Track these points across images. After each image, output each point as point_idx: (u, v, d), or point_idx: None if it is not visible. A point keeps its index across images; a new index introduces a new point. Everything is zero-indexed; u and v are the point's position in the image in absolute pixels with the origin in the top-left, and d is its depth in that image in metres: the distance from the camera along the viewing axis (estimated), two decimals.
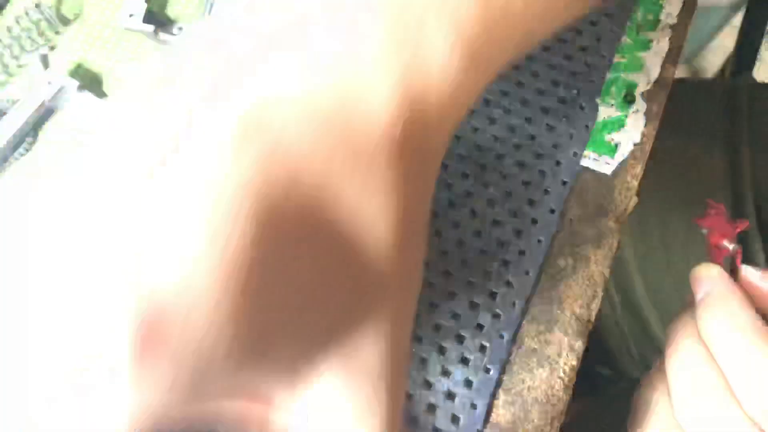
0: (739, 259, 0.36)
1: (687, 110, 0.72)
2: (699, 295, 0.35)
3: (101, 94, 0.44)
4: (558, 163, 0.42)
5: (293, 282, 0.20)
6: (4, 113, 0.43)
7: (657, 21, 0.46)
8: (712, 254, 0.37)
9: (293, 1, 0.21)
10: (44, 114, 0.44)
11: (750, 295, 0.34)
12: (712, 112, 0.70)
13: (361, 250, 0.21)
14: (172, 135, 0.19)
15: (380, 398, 0.22)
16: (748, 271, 0.34)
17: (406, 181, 0.21)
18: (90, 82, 0.45)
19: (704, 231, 0.38)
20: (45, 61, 0.45)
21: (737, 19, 0.83)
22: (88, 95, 0.43)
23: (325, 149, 0.19)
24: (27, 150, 0.43)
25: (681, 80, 0.77)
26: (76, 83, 0.43)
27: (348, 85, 0.20)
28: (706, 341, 0.33)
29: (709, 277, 0.34)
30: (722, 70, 1.04)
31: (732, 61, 0.80)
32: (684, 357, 0.34)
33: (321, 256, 0.20)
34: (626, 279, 0.65)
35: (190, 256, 0.17)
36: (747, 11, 0.76)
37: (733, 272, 0.36)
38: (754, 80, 0.75)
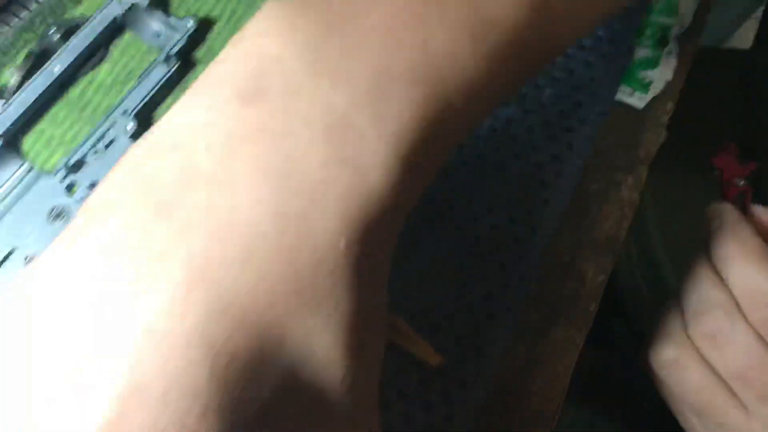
0: (749, 198, 0.39)
1: (707, 77, 0.75)
2: (712, 227, 0.38)
3: (168, 12, 0.47)
4: (594, 95, 0.45)
5: None
6: (78, 28, 0.46)
7: None
8: (724, 191, 0.40)
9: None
10: (115, 30, 0.47)
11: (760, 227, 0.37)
12: (732, 80, 0.73)
13: (316, 394, 0.20)
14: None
15: None
16: (756, 208, 0.37)
17: (357, 297, 0.20)
18: (158, 1, 0.48)
19: (716, 172, 0.41)
20: None
21: None
22: (157, 12, 0.46)
23: (267, 287, 0.19)
24: (99, 62, 0.46)
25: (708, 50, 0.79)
26: (146, 1, 0.45)
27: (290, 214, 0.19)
28: (717, 264, 0.36)
29: (721, 211, 0.37)
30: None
31: (756, 40, 0.82)
32: (696, 278, 0.37)
33: (278, 410, 0.19)
34: (645, 234, 0.68)
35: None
36: None
37: (744, 209, 0.39)
38: None
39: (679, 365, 0.36)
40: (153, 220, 0.19)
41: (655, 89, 0.46)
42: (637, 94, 0.46)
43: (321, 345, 0.19)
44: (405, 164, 0.21)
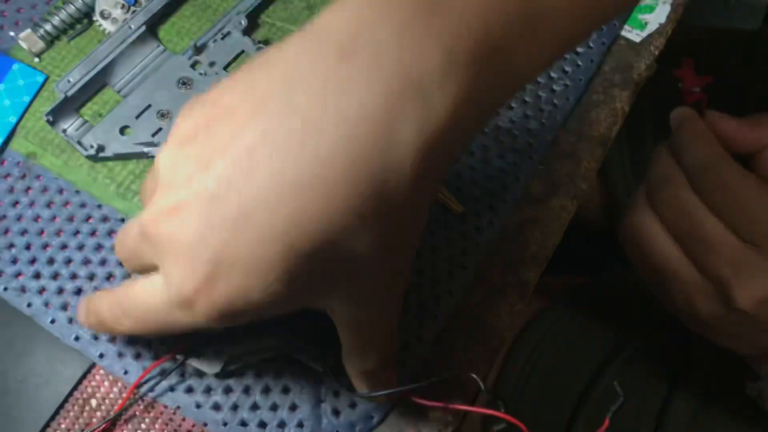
0: (704, 104, 0.50)
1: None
2: (673, 125, 0.48)
3: None
4: (600, 28, 0.58)
5: None
6: None
7: None
8: (684, 98, 0.52)
9: None
10: None
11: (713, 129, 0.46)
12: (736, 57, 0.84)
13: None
14: None
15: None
16: (711, 113, 0.46)
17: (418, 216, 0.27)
18: None
19: (679, 84, 0.52)
20: None
21: None
22: None
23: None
24: None
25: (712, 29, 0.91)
26: None
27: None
28: (675, 150, 0.46)
29: (681, 112, 0.47)
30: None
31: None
32: (657, 161, 0.47)
33: None
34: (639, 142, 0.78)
35: None
36: None
37: (701, 114, 0.49)
38: None
39: (642, 228, 0.46)
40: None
41: (650, 29, 0.58)
42: (635, 31, 0.58)
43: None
44: (465, 96, 0.25)
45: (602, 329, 0.81)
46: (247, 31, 0.57)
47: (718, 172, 0.41)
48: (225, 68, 0.56)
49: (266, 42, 0.57)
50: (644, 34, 0.58)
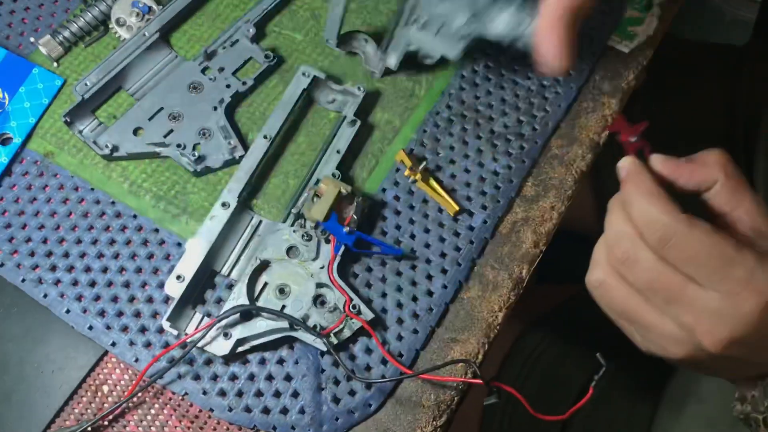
0: (647, 151, 0.52)
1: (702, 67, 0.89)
2: (620, 177, 0.47)
3: None
4: (591, 39, 0.61)
5: None
6: None
7: None
8: (625, 150, 0.54)
9: None
10: None
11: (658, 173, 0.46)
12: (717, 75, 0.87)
13: None
14: None
15: None
16: (653, 158, 0.46)
17: None
18: None
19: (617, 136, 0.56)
20: None
21: None
22: None
23: None
24: None
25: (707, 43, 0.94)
26: None
27: None
28: (625, 204, 0.46)
29: (625, 163, 0.46)
30: None
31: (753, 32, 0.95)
32: (611, 217, 0.47)
33: None
34: None
35: None
36: None
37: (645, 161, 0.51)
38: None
39: (605, 285, 0.46)
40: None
41: (638, 40, 0.61)
42: (625, 42, 0.61)
43: None
44: None
45: (595, 337, 0.83)
46: (255, 39, 0.60)
47: (664, 226, 0.42)
48: (233, 73, 0.59)
49: (273, 50, 0.60)
50: (633, 45, 0.61)
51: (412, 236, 0.54)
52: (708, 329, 0.42)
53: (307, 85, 0.56)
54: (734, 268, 0.41)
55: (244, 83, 0.58)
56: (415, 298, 0.52)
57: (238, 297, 0.49)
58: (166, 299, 0.52)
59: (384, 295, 0.52)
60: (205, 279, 0.52)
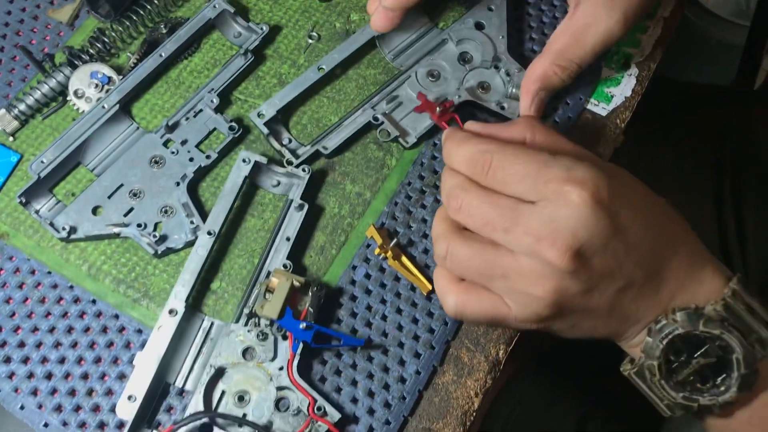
0: (459, 121, 0.52)
1: (687, 106, 0.88)
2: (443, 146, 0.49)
3: (248, 18, 0.62)
4: (567, 103, 0.59)
5: None
6: (180, 25, 0.61)
7: (654, 14, 0.62)
8: (441, 126, 0.54)
9: None
10: (207, 29, 0.61)
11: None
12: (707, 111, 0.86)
13: None
14: None
15: None
16: (469, 123, 0.48)
17: None
18: (240, 9, 0.62)
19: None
20: None
21: None
22: (239, 18, 0.61)
23: None
24: (193, 52, 0.61)
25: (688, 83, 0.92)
26: (232, 8, 0.60)
27: None
28: (447, 163, 0.46)
29: (446, 133, 0.47)
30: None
31: (737, 73, 0.94)
32: (442, 175, 0.47)
33: None
34: None
35: None
36: (752, 24, 0.91)
37: None
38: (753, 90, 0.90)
39: (452, 250, 0.45)
40: None
41: (615, 102, 0.59)
42: (602, 104, 0.59)
43: None
44: None
45: (582, 382, 0.81)
46: (219, 109, 0.58)
47: (481, 153, 0.44)
48: (197, 146, 0.57)
49: (238, 120, 0.58)
50: (610, 107, 0.59)
51: (384, 317, 0.52)
52: (550, 241, 0.41)
53: (249, 171, 0.54)
54: (551, 168, 0.42)
55: (207, 157, 0.56)
56: (387, 386, 0.50)
57: (195, 410, 0.46)
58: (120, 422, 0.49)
59: (354, 382, 0.50)
60: (158, 394, 0.49)
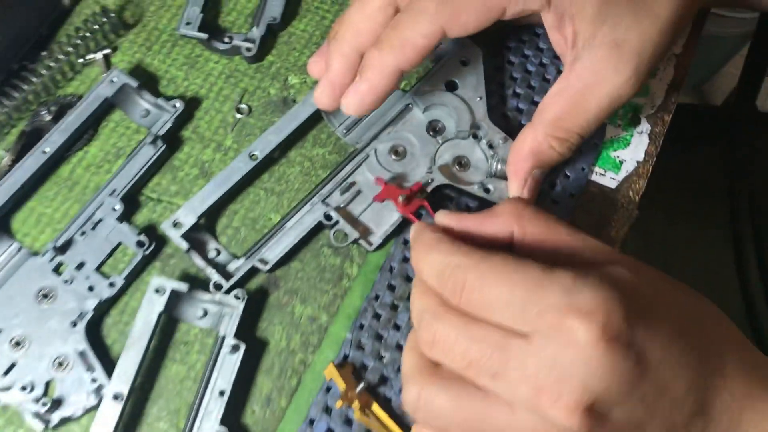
0: (430, 209, 0.42)
1: (690, 135, 0.77)
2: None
3: (157, 92, 0.49)
4: (567, 176, 0.47)
5: None
6: (70, 107, 0.47)
7: None
8: (408, 218, 0.43)
9: None
10: (105, 109, 0.48)
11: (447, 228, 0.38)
12: (714, 141, 0.75)
13: None
14: None
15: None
16: (439, 213, 0.38)
17: None
18: (147, 81, 0.49)
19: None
20: (107, 61, 0.50)
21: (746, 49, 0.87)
22: (146, 93, 0.47)
23: None
24: (88, 141, 0.48)
25: (687, 105, 0.81)
26: (135, 82, 0.47)
27: None
28: (416, 275, 0.36)
29: (413, 230, 0.37)
30: (729, 99, 1.08)
31: (736, 91, 0.84)
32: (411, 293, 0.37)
33: None
34: None
35: None
36: (753, 43, 0.80)
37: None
38: (756, 111, 0.79)
39: (425, 397, 0.34)
40: None
41: (626, 169, 0.47)
42: (610, 173, 0.47)
43: None
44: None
45: None
46: (125, 216, 0.45)
47: (452, 268, 0.34)
48: (98, 269, 0.44)
49: (150, 229, 0.45)
50: (620, 176, 0.47)
51: None
52: (553, 394, 0.31)
53: (164, 305, 0.41)
54: (545, 291, 0.31)
55: (111, 284, 0.43)
56: None
57: None
58: None
59: None
60: None
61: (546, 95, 0.42)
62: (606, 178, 0.47)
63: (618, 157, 0.48)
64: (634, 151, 0.48)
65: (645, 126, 0.49)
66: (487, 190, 0.45)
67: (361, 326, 0.43)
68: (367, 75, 0.41)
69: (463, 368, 0.33)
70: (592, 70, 0.41)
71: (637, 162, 0.48)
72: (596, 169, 0.47)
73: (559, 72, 0.49)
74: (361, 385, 0.41)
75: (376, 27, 0.42)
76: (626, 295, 0.32)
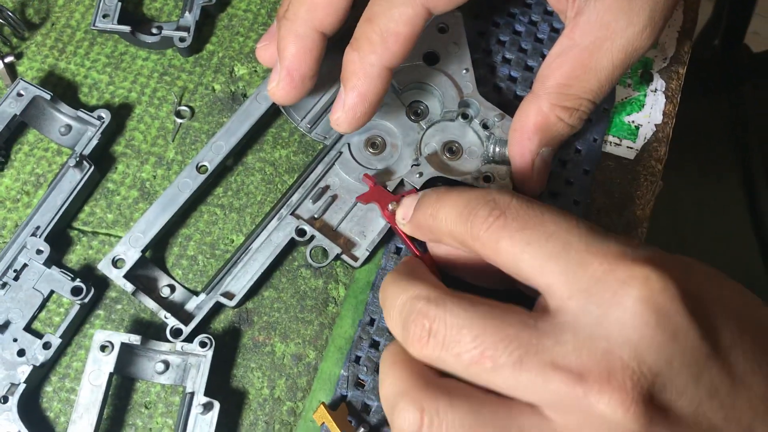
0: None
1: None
2: None
3: (77, 102, 0.41)
4: (578, 151, 0.40)
5: None
6: None
7: None
8: (389, 221, 0.36)
9: None
10: (16, 129, 0.40)
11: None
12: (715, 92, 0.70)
13: None
14: None
15: None
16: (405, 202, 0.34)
17: None
18: (64, 90, 0.41)
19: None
20: (11, 70, 0.41)
21: None
22: (63, 105, 0.39)
23: None
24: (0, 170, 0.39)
25: None
26: (48, 93, 0.39)
27: None
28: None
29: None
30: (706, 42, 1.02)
31: (721, 38, 0.78)
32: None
33: None
34: None
35: None
36: None
37: None
38: (751, 53, 0.73)
39: (430, 418, 0.27)
40: None
41: (644, 134, 0.40)
42: (626, 142, 0.40)
43: None
44: None
45: None
46: (54, 258, 0.37)
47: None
48: (28, 328, 0.36)
49: (87, 270, 0.37)
50: (638, 144, 0.40)
51: None
52: (600, 377, 0.24)
53: (114, 365, 0.34)
54: (597, 244, 0.26)
55: (46, 345, 0.35)
56: None
57: None
58: None
59: None
60: None
61: (546, 58, 0.35)
62: (622, 147, 0.40)
63: (633, 122, 0.41)
64: (650, 113, 0.41)
65: (659, 83, 0.42)
66: (487, 179, 0.38)
67: (357, 359, 0.36)
68: (353, 83, 0.34)
69: (475, 361, 0.26)
70: (600, 23, 0.34)
71: (656, 125, 0.41)
72: (610, 138, 0.40)
73: (554, 29, 0.42)
74: (362, 430, 0.34)
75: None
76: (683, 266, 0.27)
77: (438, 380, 0.28)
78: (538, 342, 0.26)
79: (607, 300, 0.25)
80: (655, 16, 0.34)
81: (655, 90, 0.41)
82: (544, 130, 0.35)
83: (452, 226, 0.30)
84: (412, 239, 0.35)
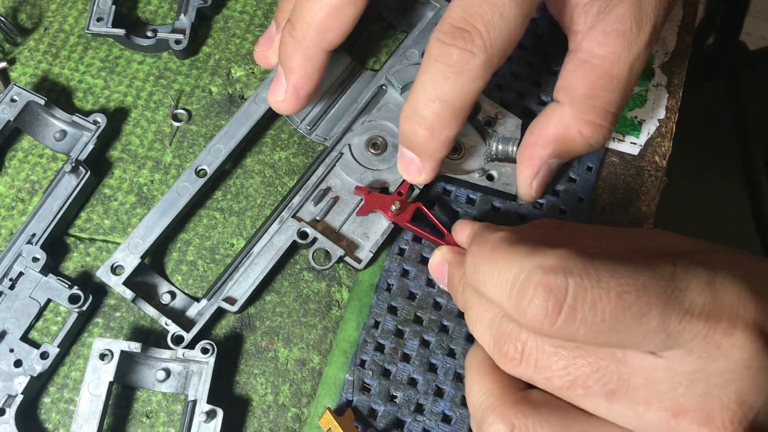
0: (429, 215, 0.35)
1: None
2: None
3: (72, 107, 0.40)
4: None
5: None
6: None
7: None
8: (404, 226, 0.36)
9: None
10: (10, 136, 0.39)
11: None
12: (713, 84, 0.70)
13: None
14: None
15: None
16: (458, 225, 0.34)
17: None
18: (58, 95, 0.40)
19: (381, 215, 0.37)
20: (4, 76, 0.40)
21: None
22: (58, 110, 0.38)
23: None
24: None
25: None
26: (43, 99, 0.38)
27: None
28: (470, 287, 0.31)
29: (443, 253, 0.34)
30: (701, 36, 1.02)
31: (717, 33, 0.78)
32: (465, 310, 0.32)
33: None
34: None
35: None
36: None
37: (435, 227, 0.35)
38: (747, 50, 0.73)
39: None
40: None
41: (647, 130, 0.40)
42: (629, 138, 0.40)
43: None
44: None
45: None
46: (51, 266, 0.36)
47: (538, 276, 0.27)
48: (24, 338, 0.35)
49: (85, 278, 0.36)
50: (641, 140, 0.40)
51: None
52: (700, 415, 0.25)
53: (114, 373, 0.33)
54: (684, 291, 0.25)
55: (43, 355, 0.34)
56: None
57: None
58: None
59: None
60: None
61: (564, 70, 0.34)
62: (626, 144, 0.40)
63: (636, 117, 0.40)
64: (652, 108, 0.41)
65: (661, 77, 0.41)
66: (490, 177, 0.37)
67: (363, 363, 0.35)
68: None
69: (566, 387, 0.27)
70: (616, 33, 0.33)
71: (659, 120, 0.40)
72: (613, 134, 0.40)
73: (552, 24, 0.41)
74: None
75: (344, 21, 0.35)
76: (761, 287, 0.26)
77: (527, 395, 0.28)
78: (635, 377, 0.26)
79: (706, 351, 0.25)
80: (657, 23, 0.33)
81: (658, 85, 0.41)
82: (562, 142, 0.34)
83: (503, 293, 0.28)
84: (426, 229, 0.35)
